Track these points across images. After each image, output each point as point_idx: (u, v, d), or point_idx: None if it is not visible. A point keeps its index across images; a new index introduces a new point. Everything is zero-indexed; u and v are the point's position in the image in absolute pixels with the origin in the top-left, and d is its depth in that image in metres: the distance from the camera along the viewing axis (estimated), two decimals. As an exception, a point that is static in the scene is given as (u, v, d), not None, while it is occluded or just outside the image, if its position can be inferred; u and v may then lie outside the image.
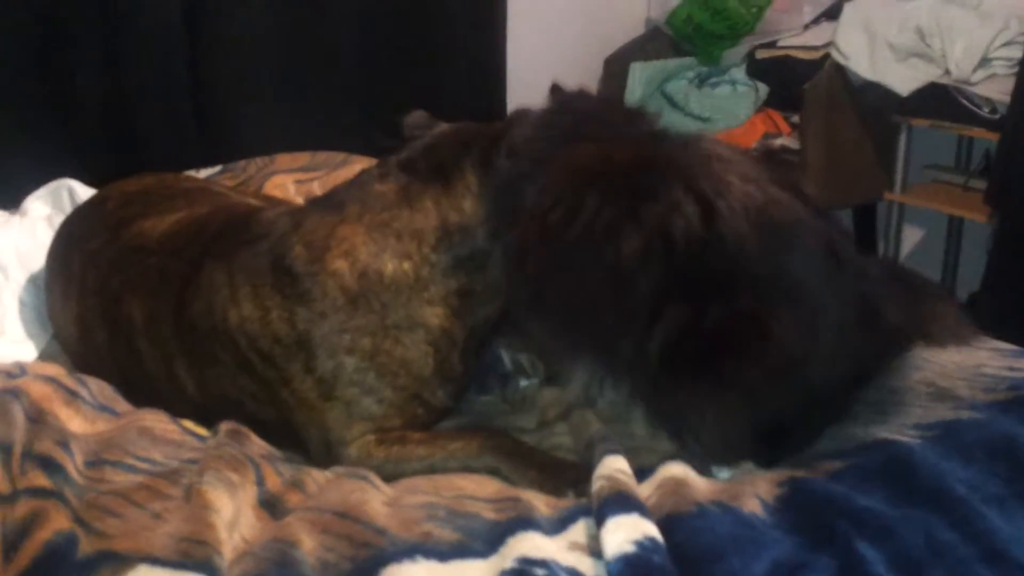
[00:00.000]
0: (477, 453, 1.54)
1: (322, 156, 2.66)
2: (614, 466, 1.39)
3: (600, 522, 1.28)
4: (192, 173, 2.57)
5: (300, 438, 1.62)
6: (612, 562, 1.22)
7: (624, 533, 1.25)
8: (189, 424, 1.63)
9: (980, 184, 3.60)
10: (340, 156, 2.66)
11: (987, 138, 3.55)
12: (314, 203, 1.74)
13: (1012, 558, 1.30)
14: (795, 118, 3.90)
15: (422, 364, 1.60)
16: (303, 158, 2.65)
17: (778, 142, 3.94)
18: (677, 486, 1.39)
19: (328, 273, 1.59)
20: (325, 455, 1.58)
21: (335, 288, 1.58)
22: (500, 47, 3.77)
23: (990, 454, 1.47)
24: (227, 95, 3.07)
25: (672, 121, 4.04)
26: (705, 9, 4.03)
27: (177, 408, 1.67)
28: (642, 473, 1.45)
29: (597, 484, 1.36)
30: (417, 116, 1.79)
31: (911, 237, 4.24)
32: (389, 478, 1.52)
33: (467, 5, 3.62)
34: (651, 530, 1.26)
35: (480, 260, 1.61)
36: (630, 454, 1.46)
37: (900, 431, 1.52)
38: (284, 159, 2.64)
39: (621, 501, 1.31)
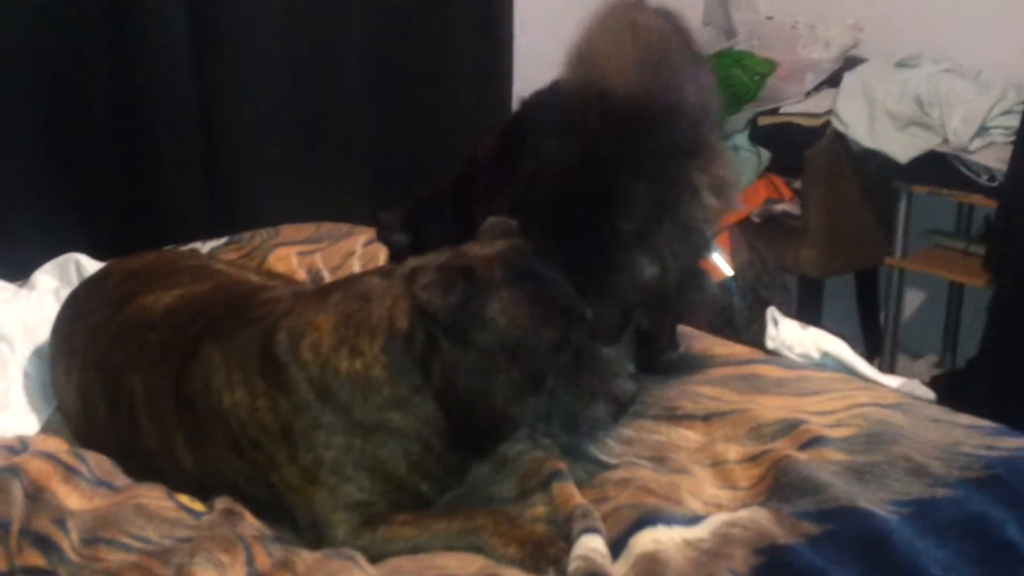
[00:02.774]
0: (459, 533, 1.56)
1: (326, 227, 2.72)
2: (590, 546, 1.43)
3: (576, 604, 1.32)
4: (198, 244, 2.63)
5: (292, 517, 1.65)
6: (585, 644, 1.25)
7: (597, 614, 1.28)
8: (185, 499, 1.67)
9: (980, 250, 3.65)
10: (344, 227, 2.72)
11: (987, 205, 3.59)
12: (317, 288, 1.77)
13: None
14: (797, 184, 3.96)
15: (394, 464, 1.61)
16: (307, 229, 2.71)
17: (780, 207, 3.99)
18: (651, 563, 1.42)
19: (300, 364, 1.61)
20: (313, 535, 1.61)
21: (304, 381, 1.60)
22: (506, 92, 3.83)
23: (963, 534, 1.51)
24: (238, 164, 3.15)
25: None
26: (708, 77, 4.08)
27: (175, 482, 1.71)
28: (618, 546, 1.48)
29: (573, 564, 1.40)
30: (493, 222, 1.74)
31: (913, 301, 4.28)
32: (375, 558, 1.55)
33: (474, 53, 3.69)
34: (623, 611, 1.30)
35: (422, 376, 1.59)
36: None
37: (878, 504, 1.56)
38: (288, 231, 2.70)
39: (595, 583, 1.34)
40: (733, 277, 3.95)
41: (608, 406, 1.61)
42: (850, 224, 3.89)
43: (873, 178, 3.83)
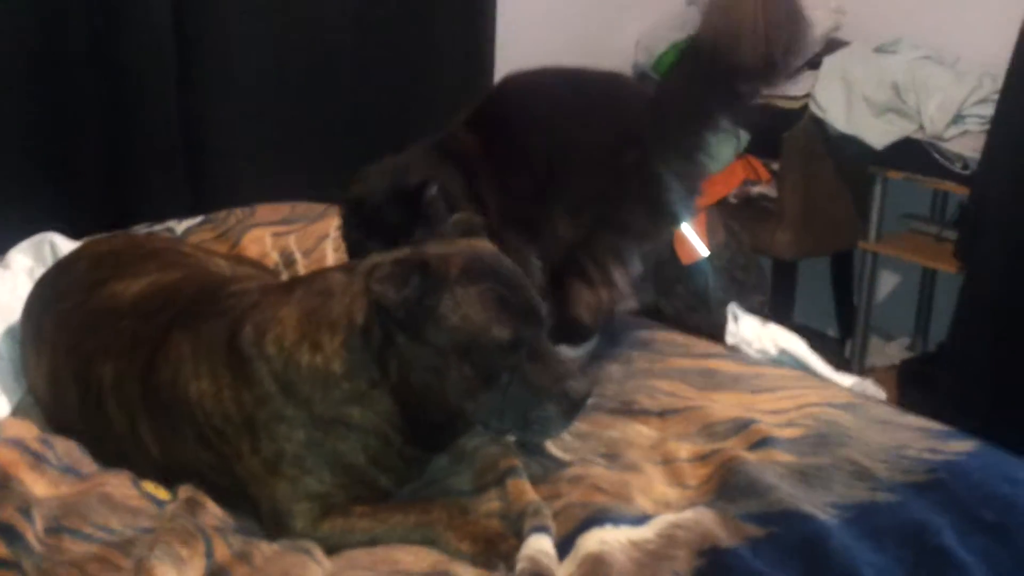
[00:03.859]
0: (415, 526, 1.61)
1: (301, 208, 2.74)
2: (537, 547, 1.48)
3: (517, 604, 1.37)
4: (173, 223, 2.66)
5: (255, 506, 1.70)
6: (521, 644, 1.30)
7: (537, 615, 1.33)
8: (150, 487, 1.71)
9: (953, 235, 3.69)
10: (319, 208, 2.74)
11: (960, 192, 3.63)
12: (283, 283, 1.80)
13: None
14: (775, 165, 3.99)
15: (353, 457, 1.65)
16: (283, 210, 2.73)
17: (756, 189, 4.03)
18: (596, 565, 1.47)
19: (264, 358, 1.65)
20: (274, 525, 1.65)
21: (268, 374, 1.64)
22: (488, 76, 3.84)
23: (900, 540, 1.56)
24: (219, 143, 3.18)
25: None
26: (689, 57, 4.10)
27: (142, 468, 1.76)
28: (566, 545, 1.53)
29: (520, 565, 1.45)
30: (458, 219, 1.79)
31: (887, 284, 4.33)
32: (333, 549, 1.60)
33: (457, 65, 3.71)
34: (563, 612, 1.35)
35: (380, 371, 1.63)
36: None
37: (821, 507, 1.61)
38: (264, 211, 2.72)
39: (538, 583, 1.39)
40: (708, 258, 4.00)
41: (560, 405, 1.63)
42: (825, 207, 3.93)
43: (849, 162, 3.87)
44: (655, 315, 4.13)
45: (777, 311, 4.21)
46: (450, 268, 1.60)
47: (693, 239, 4.00)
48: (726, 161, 4.08)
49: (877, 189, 3.86)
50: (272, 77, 3.29)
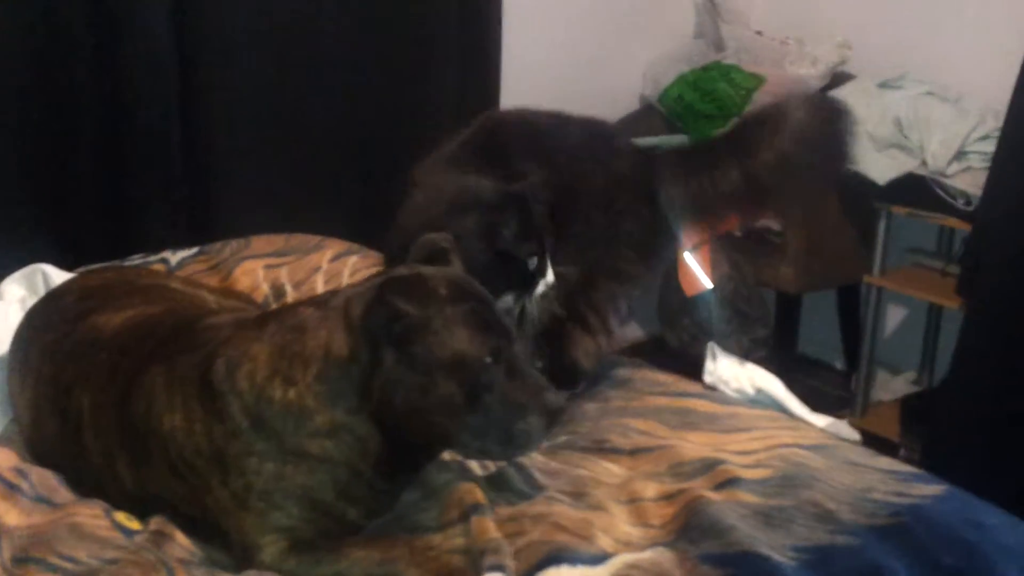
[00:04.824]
0: (379, 562, 1.63)
1: (296, 239, 2.78)
2: (492, 585, 1.49)
3: (468, 642, 1.39)
4: (168, 254, 2.70)
5: (226, 538, 1.72)
6: None
7: (484, 655, 1.35)
8: (122, 517, 1.75)
9: (958, 271, 3.67)
10: (314, 240, 2.77)
11: (964, 228, 3.63)
12: (256, 317, 1.83)
13: None
14: (781, 199, 3.99)
15: (322, 491, 1.67)
16: (278, 241, 2.77)
17: (761, 222, 4.02)
18: (548, 605, 1.49)
19: (235, 393, 1.67)
20: (243, 556, 1.68)
21: (239, 409, 1.67)
22: (493, 98, 3.89)
23: (855, 583, 1.57)
24: (217, 170, 3.22)
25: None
26: (695, 90, 4.14)
27: (117, 499, 1.79)
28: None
29: (474, 605, 1.47)
30: (423, 242, 1.82)
31: (894, 318, 4.33)
32: None
33: (460, 87, 3.74)
34: (510, 652, 1.36)
35: (359, 398, 1.65)
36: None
37: (780, 550, 1.62)
38: (259, 242, 2.76)
39: (489, 623, 1.41)
40: (712, 289, 4.01)
41: (540, 419, 1.69)
42: (830, 241, 3.94)
43: (854, 197, 3.87)
44: (659, 346, 4.19)
45: (781, 344, 4.22)
46: (439, 287, 1.64)
47: (697, 271, 4.02)
48: (731, 194, 4.09)
49: (882, 224, 3.86)
50: (276, 104, 3.33)
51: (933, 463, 3.38)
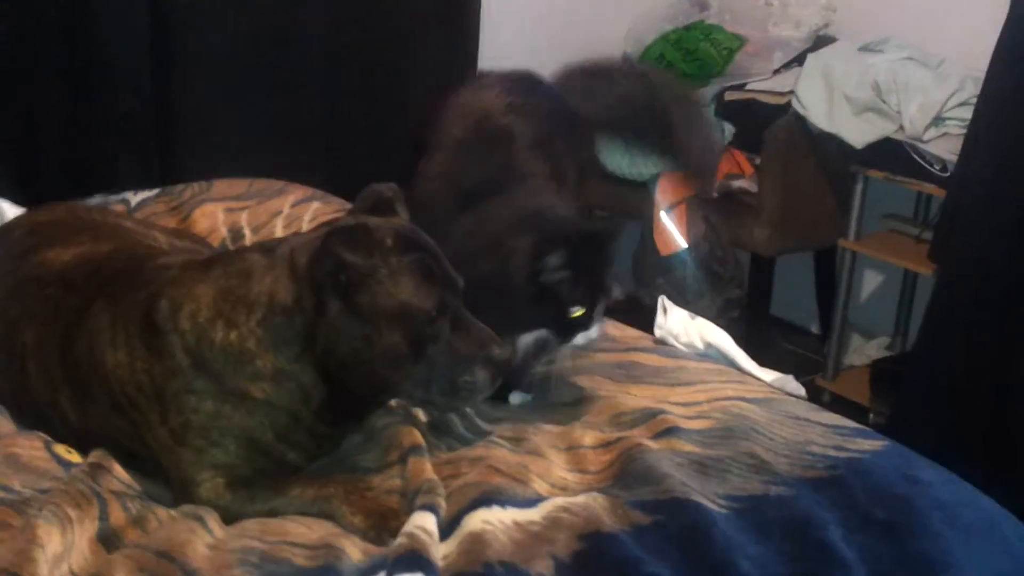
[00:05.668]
0: (312, 500, 1.65)
1: (259, 184, 2.76)
2: (418, 523, 1.50)
3: (388, 579, 1.39)
4: (129, 195, 2.69)
5: (166, 473, 1.73)
6: (382, 618, 1.33)
7: (402, 590, 1.36)
8: (62, 450, 1.75)
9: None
10: (277, 185, 2.76)
11: (939, 194, 3.62)
12: (204, 260, 1.83)
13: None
14: (758, 160, 3.99)
15: (260, 433, 1.68)
16: (240, 186, 2.76)
17: (738, 183, 4.03)
18: (474, 544, 1.49)
19: (177, 332, 1.68)
20: (181, 492, 1.69)
21: (181, 348, 1.67)
22: (471, 68, 3.87)
23: (784, 532, 1.58)
24: (189, 118, 3.20)
25: (640, 154, 4.14)
26: (677, 49, 4.13)
27: (60, 433, 1.80)
28: (453, 525, 1.56)
29: (398, 541, 1.47)
30: (368, 192, 1.81)
31: (870, 283, 4.33)
32: (234, 519, 1.63)
33: (439, 42, 3.72)
34: (429, 589, 1.37)
35: (302, 346, 1.66)
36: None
37: (712, 498, 1.63)
38: (221, 186, 2.75)
39: (410, 560, 1.42)
40: (687, 250, 4.01)
41: (485, 371, 1.69)
42: (805, 204, 3.93)
43: (830, 161, 3.86)
44: (636, 305, 4.19)
45: (754, 306, 4.22)
46: (386, 237, 1.64)
47: (672, 231, 4.03)
48: (710, 155, 4.08)
49: (858, 188, 3.85)
50: (248, 52, 3.32)
51: (901, 427, 3.39)
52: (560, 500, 1.61)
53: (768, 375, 2.11)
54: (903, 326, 4.17)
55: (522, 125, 2.02)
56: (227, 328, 1.67)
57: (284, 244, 1.73)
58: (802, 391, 2.11)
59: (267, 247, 1.76)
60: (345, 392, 1.71)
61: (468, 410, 1.88)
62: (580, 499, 1.62)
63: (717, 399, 1.90)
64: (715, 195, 4.04)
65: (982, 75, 3.29)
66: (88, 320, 1.79)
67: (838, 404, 3.90)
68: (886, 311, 4.23)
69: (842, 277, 4.04)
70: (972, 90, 3.54)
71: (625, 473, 1.69)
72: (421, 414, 1.88)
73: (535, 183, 1.97)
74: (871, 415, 3.83)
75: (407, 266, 1.64)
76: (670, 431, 1.80)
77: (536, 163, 2.00)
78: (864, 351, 4.23)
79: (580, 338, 1.85)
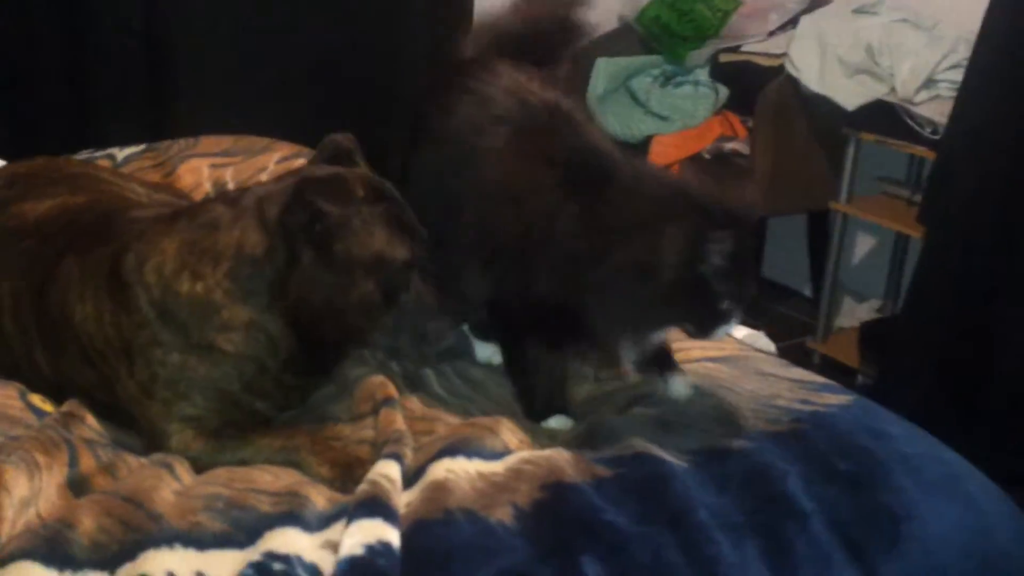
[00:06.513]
0: (280, 450, 1.67)
1: (245, 141, 2.77)
2: (381, 471, 1.52)
3: (348, 524, 1.41)
4: (115, 150, 2.70)
5: (137, 424, 1.76)
6: (339, 563, 1.35)
7: (360, 536, 1.38)
8: (37, 400, 1.78)
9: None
10: (263, 142, 2.77)
11: (930, 157, 3.62)
12: (169, 213, 1.84)
13: (729, 583, 1.43)
14: (752, 122, 3.99)
15: (227, 383, 1.70)
16: (226, 142, 2.77)
17: (731, 145, 4.04)
18: (436, 492, 1.51)
19: (143, 285, 1.70)
20: (151, 443, 1.72)
21: (147, 301, 1.69)
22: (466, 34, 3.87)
23: (743, 484, 1.59)
24: (181, 76, 3.21)
25: (633, 117, 4.14)
26: (672, 10, 4.12)
27: (34, 384, 1.83)
28: (419, 474, 1.57)
29: (360, 488, 1.49)
30: (326, 142, 1.83)
31: (863, 246, 4.34)
32: (204, 468, 1.66)
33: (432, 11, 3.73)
34: (388, 535, 1.39)
35: (271, 296, 1.68)
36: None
37: (674, 452, 1.64)
38: (208, 142, 2.76)
39: (371, 505, 1.44)
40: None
41: (448, 318, 1.77)
42: (797, 166, 3.94)
43: (823, 123, 3.86)
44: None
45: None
46: (357, 187, 1.67)
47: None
48: (703, 116, 4.09)
49: (850, 150, 3.85)
50: (240, 8, 3.32)
51: (887, 388, 3.42)
52: (524, 453, 1.63)
53: (740, 331, 2.12)
54: (894, 289, 4.18)
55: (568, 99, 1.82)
56: (193, 280, 1.69)
57: (248, 195, 1.74)
58: (772, 347, 2.12)
59: (231, 198, 1.77)
60: (313, 342, 1.73)
61: (447, 368, 1.90)
62: (545, 452, 1.64)
63: (684, 361, 1.91)
64: (708, 157, 4.05)
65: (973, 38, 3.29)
66: (59, 273, 1.81)
67: (828, 366, 3.92)
68: (878, 274, 4.24)
69: (834, 239, 4.04)
70: (964, 53, 3.54)
71: (592, 435, 1.72)
72: (395, 367, 1.90)
73: (628, 160, 1.74)
74: (859, 376, 3.84)
75: (379, 215, 1.67)
76: (635, 399, 1.82)
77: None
78: (855, 313, 4.24)
79: (720, 333, 1.68)
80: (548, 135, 1.75)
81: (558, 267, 1.68)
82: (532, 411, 1.80)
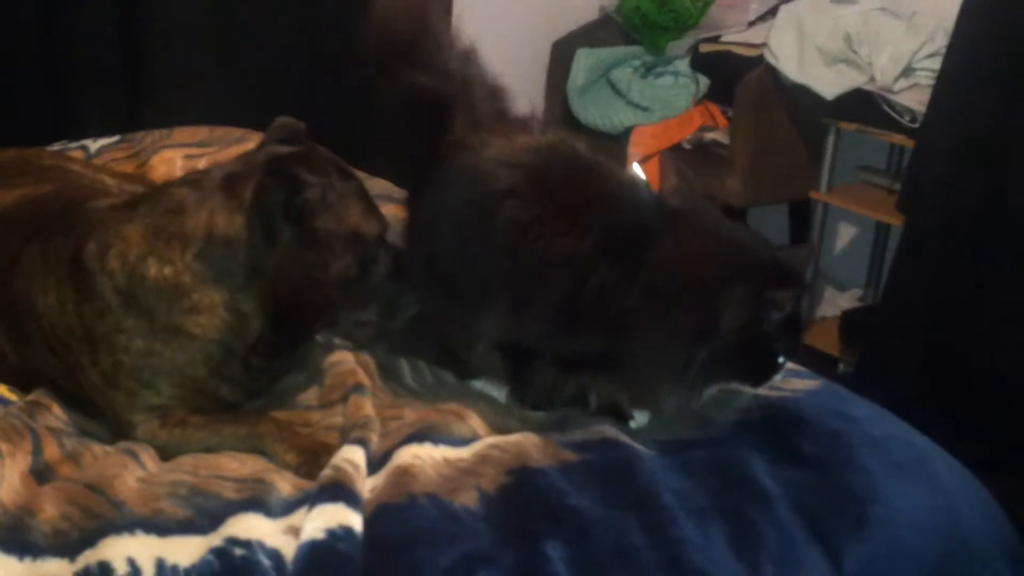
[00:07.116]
0: (246, 437, 1.67)
1: (220, 132, 2.77)
2: (345, 456, 1.52)
3: (310, 509, 1.41)
4: (89, 141, 2.70)
5: (103, 413, 1.75)
6: (300, 547, 1.35)
7: (321, 521, 1.38)
8: (3, 389, 1.77)
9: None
10: (237, 132, 2.76)
11: (909, 145, 3.62)
12: (129, 199, 1.83)
13: (692, 566, 1.43)
14: (732, 112, 3.99)
15: (193, 368, 1.70)
16: (201, 133, 2.76)
17: (711, 136, 4.04)
18: (401, 477, 1.51)
19: (106, 272, 1.69)
20: (117, 432, 1.72)
21: (110, 288, 1.68)
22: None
23: (710, 469, 1.60)
24: (157, 68, 3.20)
25: (614, 108, 4.14)
26: (653, 1, 4.11)
27: (3, 374, 1.82)
28: (385, 459, 1.58)
29: (324, 472, 1.49)
30: (277, 125, 1.83)
31: (845, 235, 4.34)
32: (170, 456, 1.66)
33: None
34: (350, 520, 1.39)
35: (246, 276, 1.68)
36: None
37: (642, 441, 1.65)
38: (182, 133, 2.75)
39: (333, 490, 1.44)
40: (659, 201, 4.01)
41: (413, 294, 1.78)
42: (777, 156, 3.93)
43: (802, 112, 3.86)
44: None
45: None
46: (327, 163, 1.71)
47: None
48: (683, 107, 4.09)
49: (830, 140, 3.85)
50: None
51: (867, 375, 3.42)
52: (492, 439, 1.63)
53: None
54: (875, 277, 4.18)
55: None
56: (161, 264, 1.68)
57: (209, 176, 1.75)
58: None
59: (192, 181, 1.77)
60: (286, 319, 1.73)
61: (420, 363, 1.90)
62: (513, 438, 1.64)
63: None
64: (688, 147, 4.05)
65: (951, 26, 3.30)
66: (23, 262, 1.80)
67: (810, 355, 3.90)
68: (859, 262, 4.24)
69: (815, 228, 4.04)
70: (942, 41, 3.53)
71: (562, 420, 1.71)
72: (366, 354, 1.90)
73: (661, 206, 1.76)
74: (840, 365, 3.84)
75: (352, 190, 1.71)
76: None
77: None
78: (837, 302, 4.24)
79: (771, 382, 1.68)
80: (569, 197, 1.66)
81: (602, 329, 1.63)
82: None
